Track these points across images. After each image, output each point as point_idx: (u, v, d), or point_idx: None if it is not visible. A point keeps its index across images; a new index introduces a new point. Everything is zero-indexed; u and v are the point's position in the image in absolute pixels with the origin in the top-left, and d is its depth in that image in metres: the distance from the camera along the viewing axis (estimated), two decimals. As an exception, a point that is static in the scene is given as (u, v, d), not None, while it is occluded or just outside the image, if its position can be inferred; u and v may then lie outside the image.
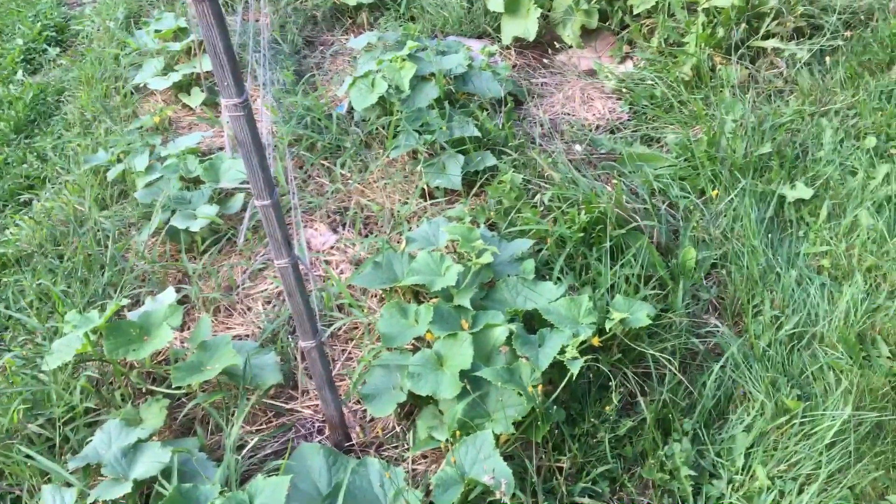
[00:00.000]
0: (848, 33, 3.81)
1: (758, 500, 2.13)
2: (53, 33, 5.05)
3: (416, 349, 2.42)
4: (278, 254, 1.89)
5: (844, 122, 3.40)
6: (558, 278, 2.64)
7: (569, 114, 3.79)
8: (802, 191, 3.06)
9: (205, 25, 1.47)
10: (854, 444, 2.20)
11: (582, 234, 2.77)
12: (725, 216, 2.99)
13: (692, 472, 2.18)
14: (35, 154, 3.87)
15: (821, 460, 2.16)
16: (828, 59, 3.68)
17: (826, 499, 2.09)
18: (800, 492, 2.13)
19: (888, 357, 2.48)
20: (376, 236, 3.02)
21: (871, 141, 3.28)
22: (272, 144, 3.36)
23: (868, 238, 2.86)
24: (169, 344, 2.44)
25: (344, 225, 3.12)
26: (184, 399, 2.42)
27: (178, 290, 2.66)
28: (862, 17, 3.90)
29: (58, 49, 4.92)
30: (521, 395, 2.14)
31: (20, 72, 4.68)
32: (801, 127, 3.40)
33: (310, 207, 3.17)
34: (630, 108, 3.76)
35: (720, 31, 3.72)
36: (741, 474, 2.21)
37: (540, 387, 2.15)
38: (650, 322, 2.38)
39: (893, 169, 3.10)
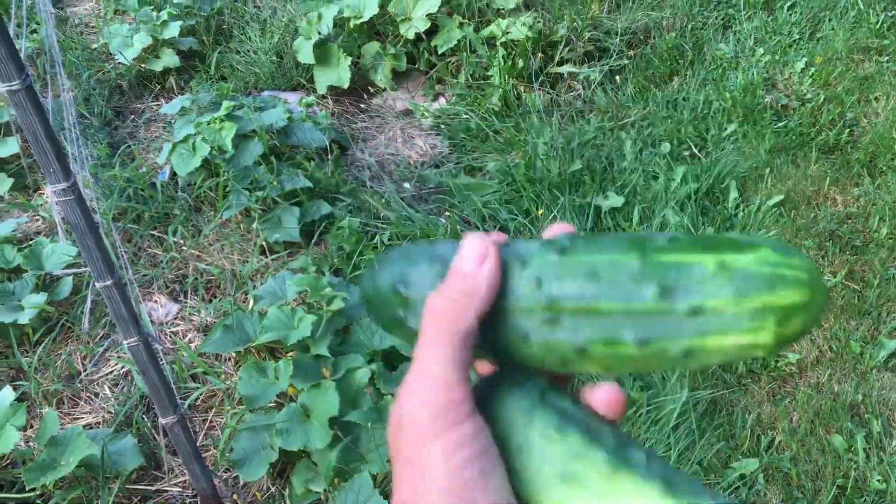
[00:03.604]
0: (631, 52, 4.20)
1: (622, 489, 2.30)
2: None
3: (280, 406, 2.41)
4: (127, 333, 1.84)
5: (641, 132, 3.75)
6: (409, 313, 2.72)
7: (394, 154, 3.92)
8: (614, 199, 3.34)
9: (23, 115, 1.44)
10: (696, 422, 2.43)
11: (424, 268, 2.87)
12: (552, 232, 3.21)
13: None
14: None
15: (670, 442, 2.37)
16: (617, 77, 4.04)
17: (680, 475, 2.30)
18: (657, 473, 2.32)
19: (711, 338, 2.76)
20: (221, 300, 2.98)
21: (665, 147, 3.63)
22: (97, 222, 3.24)
23: (677, 234, 3.16)
24: (14, 446, 2.29)
25: (185, 293, 3.05)
26: (38, 502, 2.27)
27: (14, 388, 2.50)
28: (641, 37, 4.32)
29: None
30: (391, 431, 2.19)
31: None
32: (604, 142, 3.71)
33: (145, 280, 3.08)
34: (450, 142, 3.94)
35: (520, 62, 3.99)
36: (604, 468, 2.38)
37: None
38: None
39: (689, 169, 3.45)
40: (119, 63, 4.43)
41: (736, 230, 3.18)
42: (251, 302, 2.73)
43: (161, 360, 2.56)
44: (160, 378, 1.95)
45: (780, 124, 3.68)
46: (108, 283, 1.75)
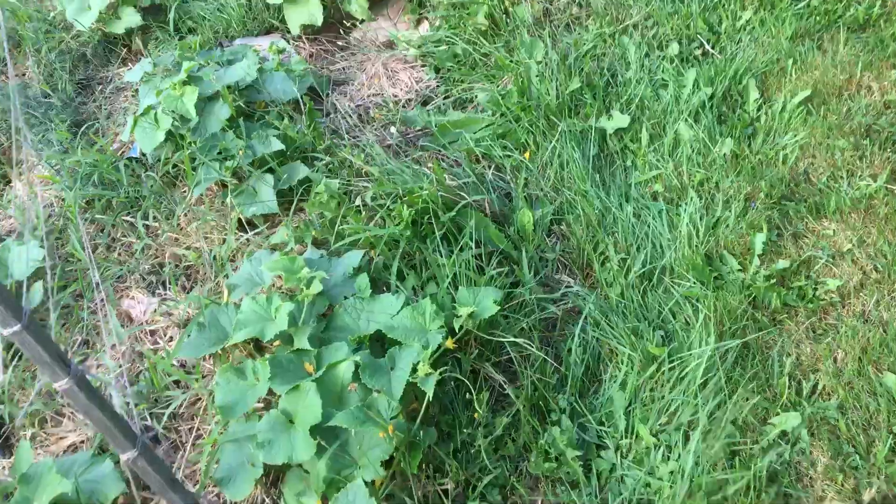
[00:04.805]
0: (627, -58, 3.73)
1: (648, 462, 2.06)
2: None
3: (268, 406, 2.21)
4: (55, 375, 1.62)
5: (645, 34, 3.35)
6: (397, 287, 2.46)
7: (377, 94, 3.58)
8: (620, 119, 2.98)
9: None
10: (725, 376, 2.15)
11: (412, 229, 2.59)
12: (552, 165, 2.89)
13: (578, 452, 2.08)
14: None
15: (697, 402, 2.10)
16: (614, -26, 3.60)
17: (713, 441, 2.04)
18: (686, 440, 2.07)
19: (739, 270, 2.45)
20: (202, 286, 2.76)
21: (674, 48, 3.24)
22: (61, 216, 3.02)
23: (693, 151, 2.81)
24: (-13, 486, 2.14)
25: (163, 284, 2.83)
26: (22, 542, 2.12)
27: (-11, 416, 2.35)
28: (637, -77, 3.83)
29: None
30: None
31: None
32: (605, 50, 3.32)
33: (120, 275, 2.86)
34: (437, 74, 3.58)
35: (504, -29, 3.58)
36: (626, 437, 2.13)
37: (400, 416, 1.99)
38: (499, 308, 2.25)
39: (700, 72, 3.06)
40: (79, 30, 4.12)
41: (759, 136, 2.81)
42: (226, 292, 2.50)
43: (126, 386, 2.37)
44: (109, 415, 1.73)
45: (801, 4, 3.24)
46: (16, 328, 1.52)
